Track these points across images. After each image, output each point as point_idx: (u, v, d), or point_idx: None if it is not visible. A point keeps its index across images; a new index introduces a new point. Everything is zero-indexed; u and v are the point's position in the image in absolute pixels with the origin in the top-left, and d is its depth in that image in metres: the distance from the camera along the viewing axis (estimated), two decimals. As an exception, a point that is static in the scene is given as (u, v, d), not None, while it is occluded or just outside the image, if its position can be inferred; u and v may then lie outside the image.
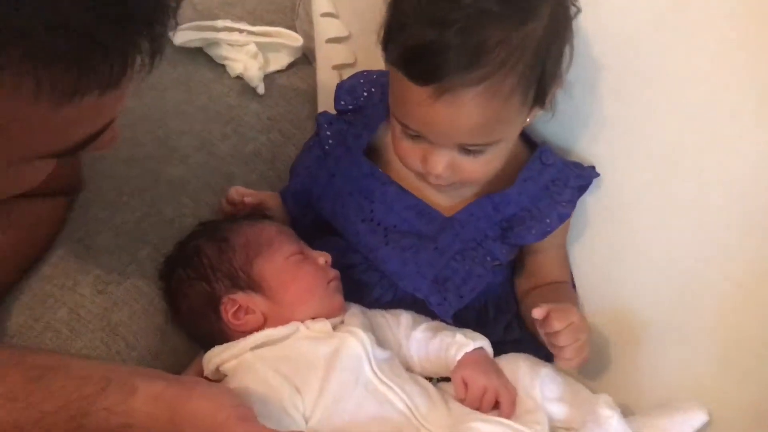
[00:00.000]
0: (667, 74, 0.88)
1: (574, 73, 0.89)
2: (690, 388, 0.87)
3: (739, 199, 0.85)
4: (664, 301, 0.91)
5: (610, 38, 0.90)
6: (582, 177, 0.92)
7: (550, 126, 0.94)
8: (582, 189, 0.92)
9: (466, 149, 0.81)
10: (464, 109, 0.76)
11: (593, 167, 0.94)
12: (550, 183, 0.91)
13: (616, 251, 0.95)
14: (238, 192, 0.93)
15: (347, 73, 1.04)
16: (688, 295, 0.90)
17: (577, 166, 0.93)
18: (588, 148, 0.95)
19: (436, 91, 0.75)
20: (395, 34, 0.78)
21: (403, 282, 0.90)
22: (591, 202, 0.95)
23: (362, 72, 0.99)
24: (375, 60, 0.86)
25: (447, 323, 0.89)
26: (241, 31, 1.11)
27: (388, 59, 0.80)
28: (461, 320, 0.89)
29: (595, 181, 0.93)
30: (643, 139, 0.90)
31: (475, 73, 0.74)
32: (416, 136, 0.82)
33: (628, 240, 0.94)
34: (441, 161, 0.82)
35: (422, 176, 0.86)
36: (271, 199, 0.96)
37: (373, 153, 0.95)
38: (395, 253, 0.89)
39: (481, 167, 0.84)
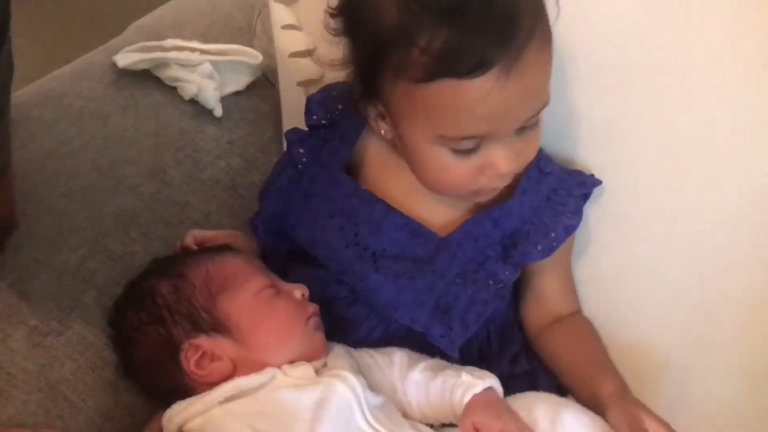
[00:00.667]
0: (672, 67, 0.82)
1: (569, 70, 0.85)
2: (725, 425, 0.81)
3: (763, 202, 0.79)
4: (681, 324, 0.85)
5: (607, 30, 0.85)
6: (585, 185, 0.87)
7: (544, 130, 0.87)
8: (586, 197, 0.87)
9: (523, 129, 0.76)
10: (535, 70, 0.71)
11: (593, 176, 0.88)
12: (551, 193, 0.85)
13: (624, 268, 0.89)
14: (196, 238, 0.89)
15: (314, 90, 0.98)
16: (710, 314, 0.83)
17: (578, 174, 0.88)
18: (587, 154, 0.89)
19: (503, 70, 0.69)
20: (402, 49, 0.69)
21: (399, 313, 0.82)
22: (593, 214, 0.89)
23: (333, 84, 0.93)
24: (343, 73, 0.81)
25: (449, 360, 0.81)
26: (193, 49, 1.07)
27: (412, 79, 0.71)
28: (461, 355, 0.82)
29: (596, 190, 0.87)
30: (648, 140, 0.85)
31: (525, 27, 0.69)
32: (470, 150, 0.75)
33: (637, 255, 0.88)
34: (507, 156, 0.75)
35: (475, 194, 0.80)
36: (233, 238, 0.91)
37: (352, 169, 0.89)
38: (388, 280, 0.82)
39: (536, 143, 0.79)
